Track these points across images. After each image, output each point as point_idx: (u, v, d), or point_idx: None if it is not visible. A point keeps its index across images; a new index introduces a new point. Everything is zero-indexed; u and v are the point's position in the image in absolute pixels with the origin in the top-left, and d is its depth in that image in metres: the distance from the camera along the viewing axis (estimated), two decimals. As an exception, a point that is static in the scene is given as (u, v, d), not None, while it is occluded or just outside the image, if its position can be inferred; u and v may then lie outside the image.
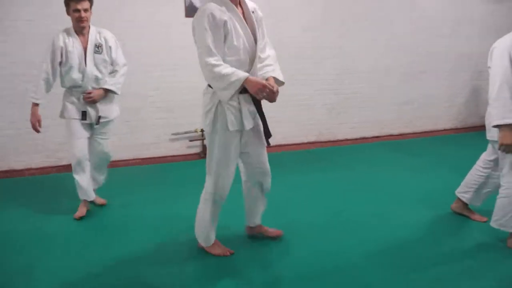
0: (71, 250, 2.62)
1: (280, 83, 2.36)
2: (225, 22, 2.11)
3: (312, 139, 5.42)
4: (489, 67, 2.59)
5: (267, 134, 2.35)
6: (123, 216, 3.16)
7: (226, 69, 2.11)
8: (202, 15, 2.09)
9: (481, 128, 6.34)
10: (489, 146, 2.86)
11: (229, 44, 2.15)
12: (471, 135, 6.07)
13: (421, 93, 6.00)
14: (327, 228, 2.90)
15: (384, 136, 5.83)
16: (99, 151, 3.22)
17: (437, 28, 5.87)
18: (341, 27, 5.31)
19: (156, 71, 4.57)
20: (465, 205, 3.02)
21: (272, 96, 2.20)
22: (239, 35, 2.17)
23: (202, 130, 4.77)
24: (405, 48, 5.72)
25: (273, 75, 2.33)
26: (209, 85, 2.28)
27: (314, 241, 2.70)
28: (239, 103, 2.23)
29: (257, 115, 2.34)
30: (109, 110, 3.15)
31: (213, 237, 2.51)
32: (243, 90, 2.19)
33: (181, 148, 4.86)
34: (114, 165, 4.43)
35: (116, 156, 4.54)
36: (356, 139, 5.66)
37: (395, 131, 5.96)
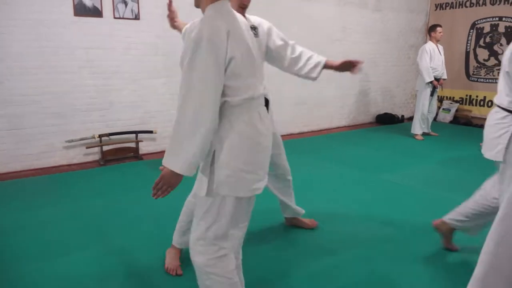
0: None
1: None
2: None
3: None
4: (507, 72, 2.09)
5: None
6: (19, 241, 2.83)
7: None
8: None
9: (369, 125, 7.15)
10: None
11: None
12: (361, 131, 6.70)
13: (315, 94, 6.43)
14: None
15: (286, 135, 6.12)
16: None
17: (328, 33, 6.35)
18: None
19: (42, 73, 4.19)
20: (452, 230, 2.57)
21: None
22: None
23: (100, 136, 4.51)
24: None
25: (324, 59, 2.41)
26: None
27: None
28: None
29: None
30: None
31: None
32: None
33: (78, 156, 4.52)
34: (1, 178, 3.99)
35: (2, 168, 4.10)
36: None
37: (296, 130, 6.31)
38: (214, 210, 1.54)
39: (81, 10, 4.28)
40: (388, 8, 7.11)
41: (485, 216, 2.32)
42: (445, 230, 2.56)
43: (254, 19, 2.36)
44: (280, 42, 2.40)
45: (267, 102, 1.94)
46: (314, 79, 2.44)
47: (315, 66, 2.41)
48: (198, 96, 1.36)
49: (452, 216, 2.50)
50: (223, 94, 1.43)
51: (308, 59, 2.41)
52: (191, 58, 1.36)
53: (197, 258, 1.59)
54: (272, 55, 2.43)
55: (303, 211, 2.88)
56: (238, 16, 1.55)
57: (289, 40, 2.44)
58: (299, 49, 2.44)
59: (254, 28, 2.18)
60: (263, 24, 2.38)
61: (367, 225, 2.99)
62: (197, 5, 1.57)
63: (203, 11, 1.50)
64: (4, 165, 4.12)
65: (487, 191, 2.32)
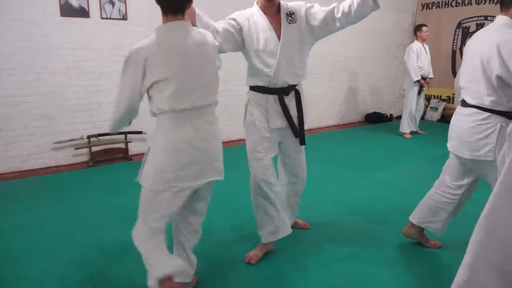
0: None
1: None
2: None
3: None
4: (498, 75, 2.02)
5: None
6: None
7: None
8: None
9: (359, 124, 7.22)
10: (457, 166, 2.38)
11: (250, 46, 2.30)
12: (350, 130, 6.74)
13: (305, 93, 6.42)
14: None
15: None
16: None
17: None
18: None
19: (30, 74, 4.14)
20: (422, 230, 2.61)
21: None
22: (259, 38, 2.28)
23: (88, 137, 4.48)
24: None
25: None
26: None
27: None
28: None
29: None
30: None
31: None
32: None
33: (66, 157, 4.49)
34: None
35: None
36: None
37: (285, 129, 6.32)
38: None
39: (67, 11, 4.24)
40: (375, 8, 7.16)
41: (444, 211, 2.43)
42: (415, 233, 2.61)
43: (292, 4, 2.35)
44: (321, 14, 2.33)
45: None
46: (376, 6, 2.24)
47: None
48: (119, 93, 1.80)
49: (415, 217, 2.57)
50: (153, 102, 1.78)
51: (352, 2, 2.26)
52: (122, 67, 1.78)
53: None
54: (322, 29, 2.39)
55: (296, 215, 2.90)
56: (191, 35, 1.79)
57: (332, 4, 2.32)
58: (341, 5, 2.31)
59: (290, 15, 2.31)
60: (301, 8, 2.36)
61: (356, 224, 3.02)
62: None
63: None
64: (-9, 167, 4.07)
65: (439, 187, 2.46)
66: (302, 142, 2.55)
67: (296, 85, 2.48)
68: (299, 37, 2.35)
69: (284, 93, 2.39)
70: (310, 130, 6.58)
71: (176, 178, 1.80)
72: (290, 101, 2.46)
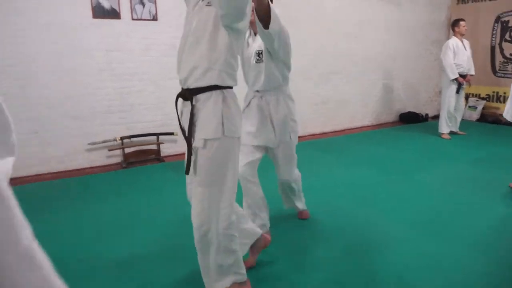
0: None
1: None
2: None
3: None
4: None
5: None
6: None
7: None
8: None
9: (393, 124, 6.98)
10: None
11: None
12: (385, 130, 6.52)
13: (336, 93, 6.30)
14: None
15: (308, 135, 6.01)
16: None
17: (344, 29, 6.20)
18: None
19: (64, 76, 4.19)
20: None
21: None
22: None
23: (121, 139, 4.49)
24: (317, 50, 5.95)
25: None
26: None
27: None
28: None
29: None
30: None
31: None
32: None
33: (100, 158, 4.51)
34: (24, 181, 4.01)
35: (25, 171, 4.11)
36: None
37: (317, 130, 6.19)
38: None
39: (99, 12, 4.27)
40: (407, 2, 6.93)
41: None
42: None
43: None
44: None
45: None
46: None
47: None
48: None
49: None
50: None
51: None
52: None
53: None
54: None
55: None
56: None
57: None
58: None
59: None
60: None
61: (395, 228, 2.86)
62: None
63: None
64: (29, 168, 4.13)
65: None
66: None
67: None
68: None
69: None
70: (342, 130, 6.42)
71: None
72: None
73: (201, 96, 1.77)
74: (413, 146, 5.37)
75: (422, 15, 7.22)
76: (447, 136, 5.76)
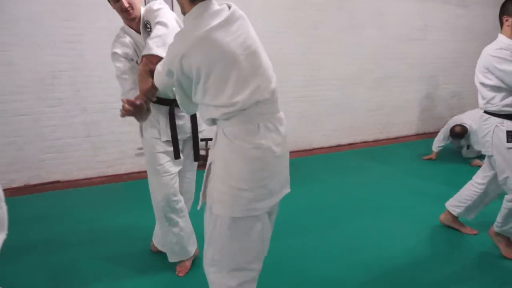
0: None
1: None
2: None
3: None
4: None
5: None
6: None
7: None
8: None
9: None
10: (486, 161, 2.67)
11: None
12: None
13: (392, 99, 5.95)
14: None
15: (360, 143, 5.72)
16: None
17: (404, 34, 5.85)
18: (307, 34, 5.13)
19: (116, 82, 4.18)
20: (455, 217, 2.87)
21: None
22: None
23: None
24: (373, 54, 5.65)
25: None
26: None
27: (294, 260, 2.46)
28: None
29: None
30: None
31: None
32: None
33: (149, 163, 4.50)
34: (76, 184, 4.07)
35: (77, 175, 4.18)
36: (331, 146, 5.51)
37: (370, 137, 5.87)
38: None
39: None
40: (474, 3, 6.43)
41: (477, 202, 2.69)
42: (450, 219, 2.86)
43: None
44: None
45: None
46: None
47: None
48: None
49: (451, 202, 2.84)
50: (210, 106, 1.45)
51: None
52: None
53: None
54: None
55: None
56: (222, 14, 1.40)
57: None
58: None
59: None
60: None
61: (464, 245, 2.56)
62: (183, 12, 1.50)
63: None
64: (80, 171, 4.19)
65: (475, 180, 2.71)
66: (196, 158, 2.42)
67: None
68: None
69: (176, 105, 2.10)
70: (396, 138, 6.06)
71: (257, 198, 1.44)
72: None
73: None
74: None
75: (490, 17, 6.66)
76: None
